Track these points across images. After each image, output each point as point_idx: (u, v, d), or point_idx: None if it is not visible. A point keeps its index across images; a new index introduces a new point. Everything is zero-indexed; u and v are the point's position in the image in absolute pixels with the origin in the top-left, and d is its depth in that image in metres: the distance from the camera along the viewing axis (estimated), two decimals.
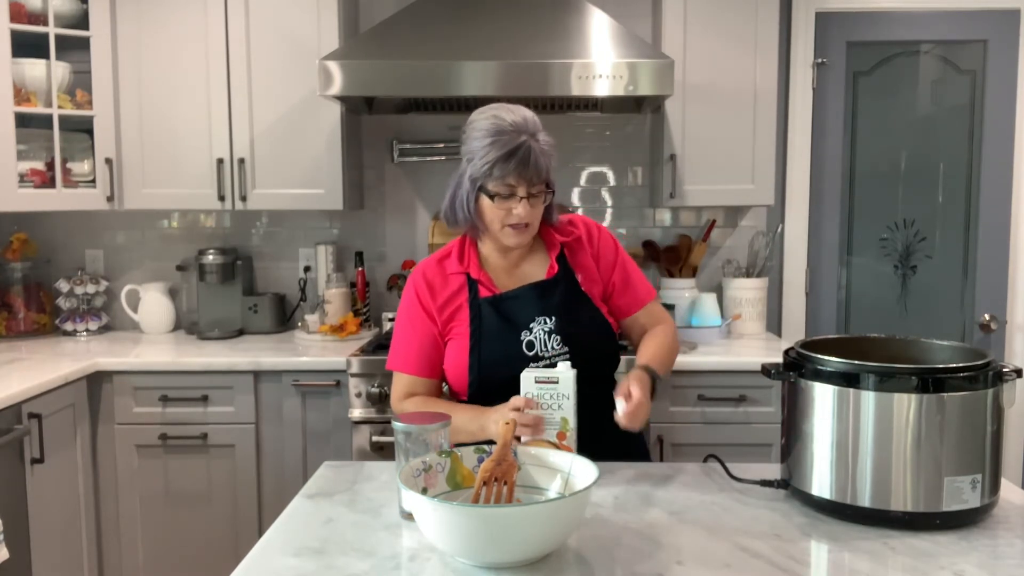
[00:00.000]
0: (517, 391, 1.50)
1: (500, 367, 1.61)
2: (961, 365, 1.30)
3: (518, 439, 1.44)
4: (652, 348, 1.69)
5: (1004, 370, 1.32)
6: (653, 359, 1.64)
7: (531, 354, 1.64)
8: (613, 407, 1.51)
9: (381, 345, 2.80)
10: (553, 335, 1.65)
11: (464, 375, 1.67)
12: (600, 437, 1.58)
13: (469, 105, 3.11)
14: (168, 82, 2.94)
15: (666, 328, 1.78)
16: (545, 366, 1.61)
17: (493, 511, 1.14)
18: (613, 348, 1.73)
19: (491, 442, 1.38)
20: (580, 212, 3.30)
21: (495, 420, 1.49)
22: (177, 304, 3.29)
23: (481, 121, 1.59)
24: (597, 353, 1.68)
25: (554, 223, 1.74)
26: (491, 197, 1.59)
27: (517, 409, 1.46)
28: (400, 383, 1.75)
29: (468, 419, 1.58)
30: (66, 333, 3.19)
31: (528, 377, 1.49)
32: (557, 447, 1.43)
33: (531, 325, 1.66)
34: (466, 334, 1.67)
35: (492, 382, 1.63)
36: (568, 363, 1.51)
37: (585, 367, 1.54)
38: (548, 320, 1.66)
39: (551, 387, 1.48)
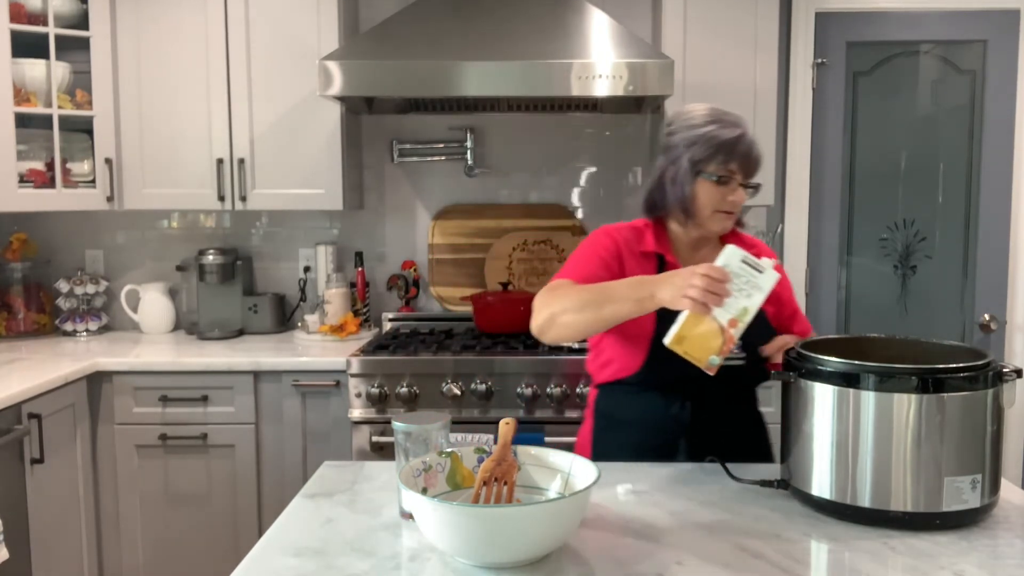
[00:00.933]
0: (686, 387, 1.51)
1: (675, 358, 1.54)
2: (961, 365, 1.30)
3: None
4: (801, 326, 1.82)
5: (1004, 370, 1.31)
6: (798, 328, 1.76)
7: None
8: (752, 423, 1.63)
9: (381, 345, 2.80)
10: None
11: (640, 354, 1.67)
12: (735, 445, 1.62)
13: (469, 105, 3.13)
14: (168, 82, 2.94)
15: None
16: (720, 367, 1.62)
17: (493, 511, 1.14)
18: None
19: (492, 442, 1.37)
20: (580, 212, 3.31)
21: (674, 284, 1.40)
22: (177, 304, 3.29)
23: (697, 111, 1.69)
24: (762, 360, 1.66)
25: (743, 226, 1.79)
26: (712, 179, 1.64)
27: (707, 276, 1.36)
28: (551, 287, 1.66)
29: (635, 284, 1.49)
30: (66, 333, 3.19)
31: (734, 252, 1.41)
32: (722, 331, 1.38)
33: None
34: (651, 326, 1.65)
35: (661, 371, 1.62)
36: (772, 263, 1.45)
37: (750, 369, 1.59)
38: None
39: (751, 274, 1.40)
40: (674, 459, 1.66)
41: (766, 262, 1.42)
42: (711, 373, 1.40)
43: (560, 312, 1.55)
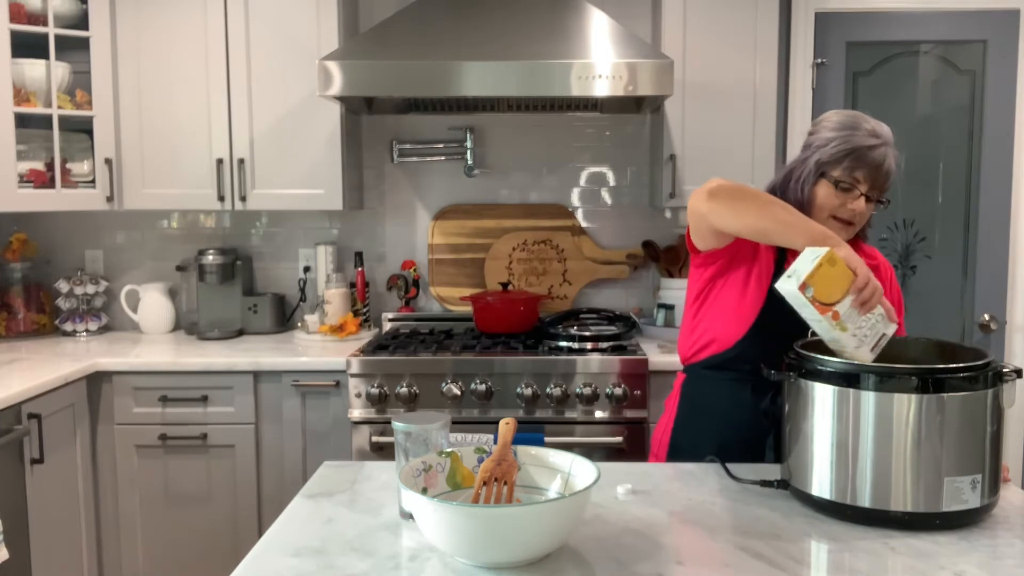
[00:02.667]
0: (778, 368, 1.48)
1: (778, 336, 1.54)
2: (961, 365, 1.30)
3: None
4: None
5: (1004, 370, 1.31)
6: None
7: (815, 339, 1.62)
8: None
9: (381, 345, 2.80)
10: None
11: (743, 325, 1.65)
12: None
13: (469, 105, 3.13)
14: (168, 82, 2.94)
15: None
16: None
17: (493, 511, 1.13)
18: None
19: (492, 442, 1.37)
20: (580, 212, 3.31)
21: (853, 256, 1.39)
22: (177, 304, 3.29)
23: (840, 116, 1.66)
24: None
25: (866, 239, 1.77)
26: (833, 184, 1.62)
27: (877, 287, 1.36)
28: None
29: (819, 233, 1.45)
30: (66, 333, 3.19)
31: (790, 290, 1.39)
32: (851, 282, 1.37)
33: None
34: (762, 296, 1.65)
35: (761, 346, 1.59)
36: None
37: None
38: None
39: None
40: (761, 460, 1.59)
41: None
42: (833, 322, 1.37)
43: (743, 195, 1.51)
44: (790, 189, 1.69)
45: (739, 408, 1.68)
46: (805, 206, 1.66)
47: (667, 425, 1.81)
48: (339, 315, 3.08)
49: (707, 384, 1.74)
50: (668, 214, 3.30)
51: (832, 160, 1.62)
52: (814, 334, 1.43)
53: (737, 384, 1.69)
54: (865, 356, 1.38)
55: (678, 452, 1.75)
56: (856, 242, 1.76)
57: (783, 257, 1.69)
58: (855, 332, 1.36)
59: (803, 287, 1.35)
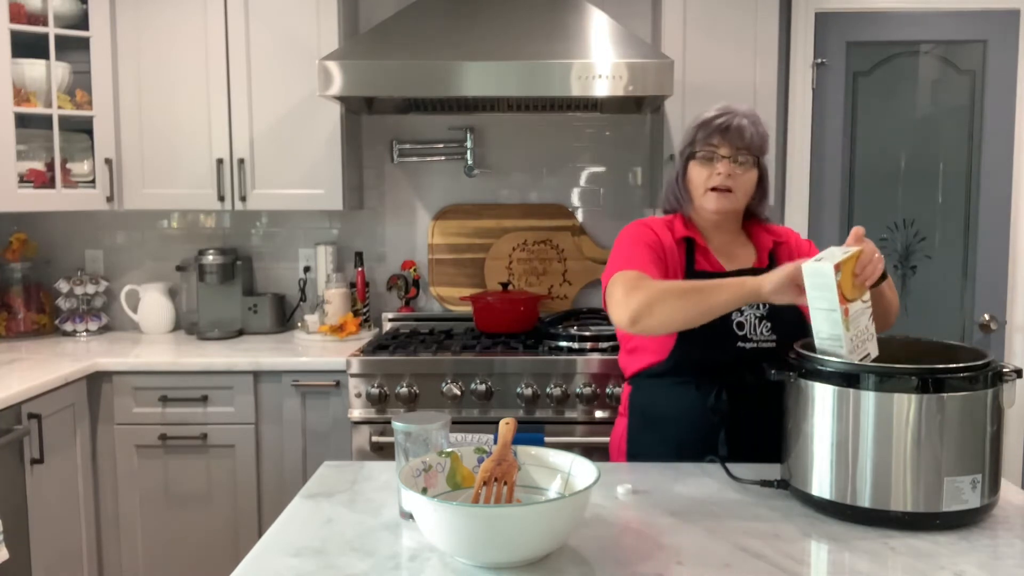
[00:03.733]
0: (715, 368, 1.56)
1: (707, 339, 1.59)
2: (961, 365, 1.30)
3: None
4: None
5: (1004, 370, 1.32)
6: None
7: (741, 334, 1.65)
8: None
9: (381, 345, 2.80)
10: (763, 321, 1.67)
11: (670, 338, 1.66)
12: (775, 437, 1.55)
13: (469, 105, 3.13)
14: (168, 82, 2.94)
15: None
16: (751, 349, 1.65)
17: (493, 511, 1.14)
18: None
19: (492, 442, 1.37)
20: (580, 212, 3.30)
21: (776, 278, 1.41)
22: (177, 304, 3.29)
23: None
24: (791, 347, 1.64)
25: (764, 219, 1.81)
26: (695, 157, 1.71)
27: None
28: (628, 275, 1.62)
29: (735, 280, 1.48)
30: (66, 333, 3.19)
31: (821, 270, 1.36)
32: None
33: (743, 307, 1.64)
34: None
35: (693, 353, 1.63)
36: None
37: (781, 354, 1.55)
38: (761, 306, 1.67)
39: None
40: (714, 453, 1.61)
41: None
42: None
43: (658, 300, 1.51)
44: (669, 193, 1.80)
45: (687, 409, 1.69)
46: (683, 195, 1.76)
47: (621, 435, 1.84)
48: (339, 315, 3.08)
49: (653, 391, 1.76)
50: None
51: (688, 142, 1.75)
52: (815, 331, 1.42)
53: (681, 387, 1.70)
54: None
55: (636, 459, 1.77)
56: (760, 224, 1.80)
57: (691, 263, 1.73)
58: (853, 336, 1.37)
59: (837, 267, 1.35)
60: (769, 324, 1.67)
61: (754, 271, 1.68)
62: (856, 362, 1.36)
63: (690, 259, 1.73)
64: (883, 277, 1.51)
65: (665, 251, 1.72)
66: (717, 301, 1.47)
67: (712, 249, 1.76)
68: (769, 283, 1.42)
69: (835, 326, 1.36)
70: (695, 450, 1.64)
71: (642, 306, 1.52)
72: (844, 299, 1.35)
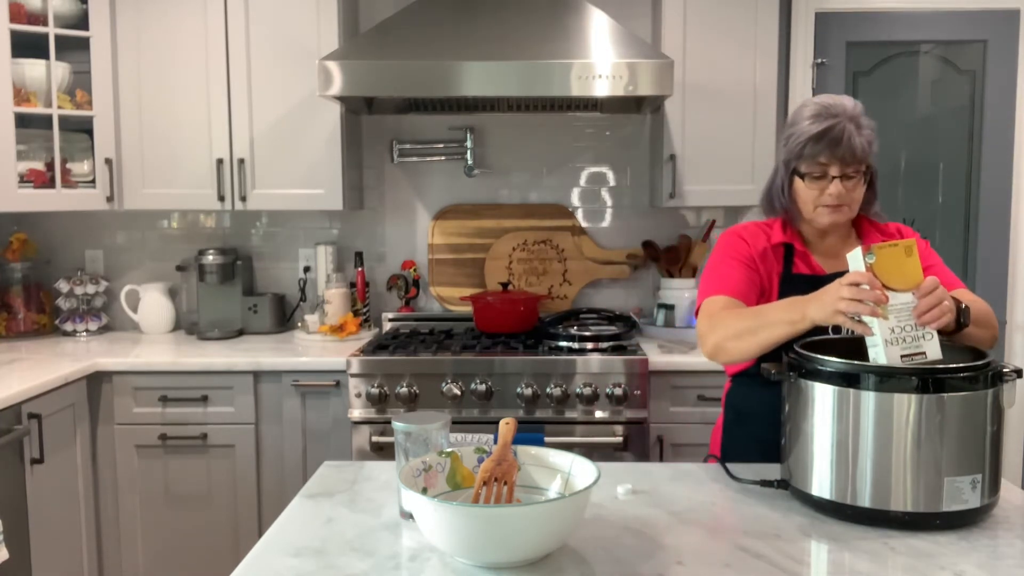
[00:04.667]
0: None
1: (796, 339, 1.54)
2: (961, 365, 1.30)
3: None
4: (967, 297, 1.64)
5: (1004, 370, 1.31)
6: (963, 299, 1.56)
7: (835, 336, 1.61)
8: None
9: (381, 345, 2.80)
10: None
11: None
12: None
13: (469, 105, 3.13)
14: (168, 82, 2.94)
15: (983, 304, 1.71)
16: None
17: (493, 511, 1.13)
18: None
19: (492, 442, 1.37)
20: (580, 212, 3.31)
21: (823, 301, 1.38)
22: (177, 304, 3.29)
23: (804, 108, 1.66)
24: None
25: (873, 215, 1.76)
26: (803, 177, 1.64)
27: (855, 284, 1.33)
28: (711, 304, 1.65)
29: (786, 307, 1.48)
30: (66, 333, 3.19)
31: (855, 256, 1.36)
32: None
33: None
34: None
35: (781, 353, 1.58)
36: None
37: None
38: None
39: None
40: None
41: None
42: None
43: (723, 340, 1.56)
44: (774, 199, 1.73)
45: (778, 408, 1.69)
46: (790, 206, 1.70)
47: (718, 430, 1.88)
48: (339, 315, 3.08)
49: (746, 390, 1.78)
50: (668, 214, 3.30)
51: (794, 156, 1.64)
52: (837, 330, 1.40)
53: (774, 385, 1.68)
54: (893, 356, 1.33)
55: (727, 456, 1.77)
56: (867, 222, 1.76)
57: (789, 266, 1.71)
58: (894, 327, 1.33)
59: (867, 251, 1.34)
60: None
61: None
62: (899, 355, 1.32)
63: (788, 262, 1.71)
64: (961, 326, 1.45)
65: (758, 260, 1.71)
66: (769, 337, 1.49)
67: (816, 252, 1.74)
68: (815, 313, 1.40)
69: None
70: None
71: (715, 347, 1.59)
72: (882, 286, 1.33)
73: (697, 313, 1.71)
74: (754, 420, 1.75)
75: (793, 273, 1.70)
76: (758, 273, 1.71)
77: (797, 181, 1.67)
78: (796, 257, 1.72)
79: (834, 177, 1.62)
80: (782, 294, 1.68)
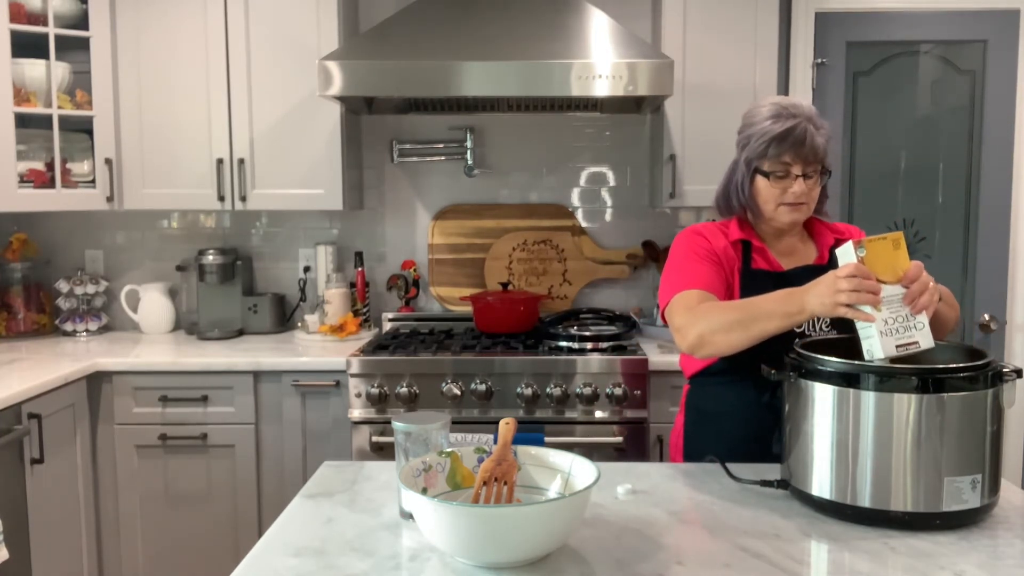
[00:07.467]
0: (766, 362, 1.45)
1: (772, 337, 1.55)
2: (961, 365, 1.30)
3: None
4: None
5: (1004, 370, 1.31)
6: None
7: (799, 330, 1.63)
8: None
9: (381, 345, 2.80)
10: (821, 318, 1.65)
11: None
12: None
13: (469, 105, 3.13)
14: (168, 82, 2.94)
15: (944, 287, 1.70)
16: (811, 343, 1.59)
17: (493, 511, 1.13)
18: None
19: (492, 442, 1.37)
20: (580, 212, 3.30)
21: (822, 292, 1.37)
22: (177, 304, 3.29)
23: (760, 108, 1.68)
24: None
25: (824, 215, 1.78)
26: (767, 176, 1.65)
27: (852, 276, 1.33)
28: (686, 298, 1.63)
29: (782, 299, 1.46)
30: (66, 333, 3.19)
31: (848, 250, 1.37)
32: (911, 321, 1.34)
33: None
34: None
35: (750, 351, 1.56)
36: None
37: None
38: None
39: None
40: (770, 450, 1.60)
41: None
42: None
43: (709, 332, 1.54)
44: (732, 197, 1.74)
45: (744, 407, 1.70)
46: (751, 204, 1.71)
47: (679, 432, 1.86)
48: (339, 315, 3.08)
49: (711, 390, 1.77)
50: (668, 214, 3.30)
51: (757, 155, 1.65)
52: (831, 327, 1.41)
53: (739, 385, 1.70)
54: (888, 347, 1.33)
55: (692, 458, 1.79)
56: (818, 221, 1.78)
57: (747, 262, 1.72)
58: (887, 318, 1.33)
59: (857, 244, 1.34)
60: (827, 319, 1.66)
61: (813, 268, 1.68)
62: (895, 345, 1.33)
63: (746, 258, 1.72)
64: None
65: (720, 256, 1.72)
66: (764, 329, 1.48)
67: (773, 251, 1.75)
68: (814, 305, 1.39)
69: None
70: (750, 448, 1.64)
71: (699, 339, 1.56)
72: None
73: (663, 310, 1.69)
74: (718, 419, 1.74)
75: (752, 268, 1.71)
76: (723, 268, 1.71)
77: (759, 180, 1.68)
78: (754, 253, 1.73)
79: (797, 176, 1.64)
80: (743, 289, 1.68)
